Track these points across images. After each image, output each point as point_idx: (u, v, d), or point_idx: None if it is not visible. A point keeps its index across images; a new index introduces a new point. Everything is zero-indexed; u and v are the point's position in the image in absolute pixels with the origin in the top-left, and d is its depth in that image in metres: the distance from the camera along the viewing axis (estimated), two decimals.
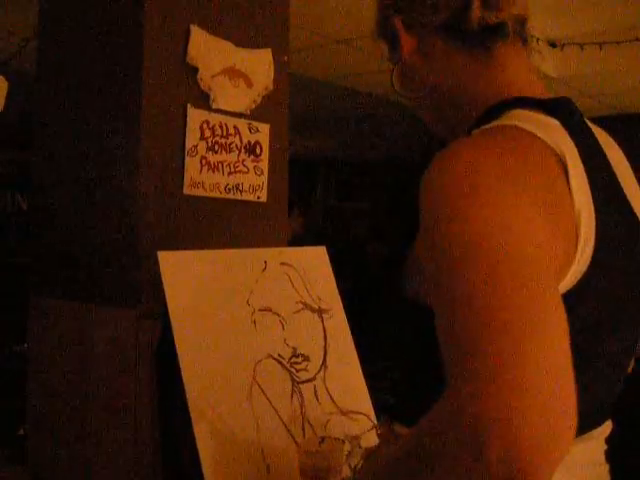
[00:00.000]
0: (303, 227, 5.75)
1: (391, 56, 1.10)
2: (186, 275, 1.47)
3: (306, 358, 1.58)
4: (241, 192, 1.76)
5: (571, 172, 0.84)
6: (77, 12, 1.76)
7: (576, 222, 0.83)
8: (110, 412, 1.57)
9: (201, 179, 1.67)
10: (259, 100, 1.79)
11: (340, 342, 1.66)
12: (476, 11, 0.98)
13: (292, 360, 1.55)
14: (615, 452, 1.00)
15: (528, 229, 0.75)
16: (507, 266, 0.70)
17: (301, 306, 1.62)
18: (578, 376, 0.67)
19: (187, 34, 1.65)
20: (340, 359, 1.64)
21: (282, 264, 1.63)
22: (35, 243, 1.87)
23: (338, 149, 8.68)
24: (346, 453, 1.34)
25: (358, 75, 4.93)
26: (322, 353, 1.62)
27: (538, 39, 3.86)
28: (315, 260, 1.71)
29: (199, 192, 1.67)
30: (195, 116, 1.65)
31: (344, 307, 1.71)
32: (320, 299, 1.66)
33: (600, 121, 1.05)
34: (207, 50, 1.67)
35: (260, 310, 1.54)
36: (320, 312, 1.65)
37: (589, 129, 0.96)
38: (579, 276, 0.83)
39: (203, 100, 1.68)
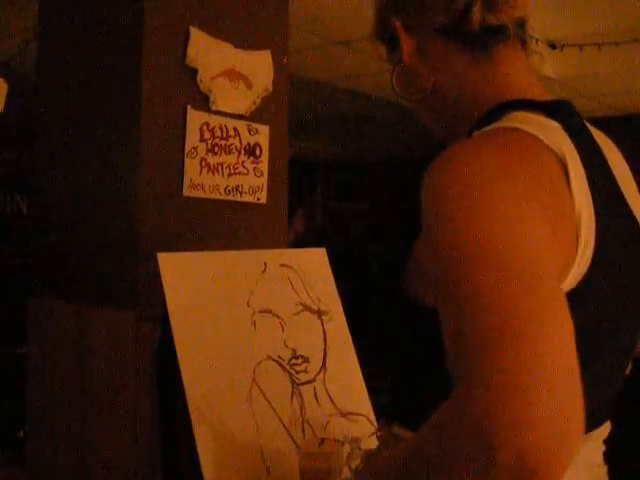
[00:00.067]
0: (305, 228, 5.76)
1: (390, 57, 1.10)
2: (186, 277, 1.47)
3: (306, 360, 1.58)
4: (241, 194, 1.76)
5: (572, 174, 0.84)
6: (77, 13, 1.77)
7: (577, 224, 0.83)
8: (110, 413, 1.57)
9: (201, 181, 1.67)
10: (259, 102, 1.79)
11: (340, 344, 1.66)
12: (477, 13, 0.98)
13: (292, 362, 1.55)
14: (613, 453, 1.00)
15: (531, 230, 0.75)
16: (511, 268, 0.70)
17: (301, 308, 1.62)
18: None
19: (187, 36, 1.65)
20: (340, 361, 1.64)
21: (282, 266, 1.63)
22: (35, 244, 1.87)
23: (338, 150, 8.68)
24: (346, 455, 1.34)
25: (357, 76, 4.93)
26: (322, 355, 1.62)
27: (537, 40, 3.87)
28: (315, 262, 1.71)
29: (199, 194, 1.67)
30: (195, 118, 1.66)
31: (344, 308, 1.71)
32: (320, 300, 1.66)
33: (599, 122, 1.05)
34: (207, 52, 1.67)
35: (260, 312, 1.54)
36: (320, 314, 1.65)
37: (589, 131, 0.96)
38: (579, 278, 0.83)
39: (203, 102, 1.68)
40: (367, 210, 9.44)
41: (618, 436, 1.02)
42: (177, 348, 1.39)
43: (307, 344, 1.60)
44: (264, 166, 1.81)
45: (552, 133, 0.87)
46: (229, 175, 1.73)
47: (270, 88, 1.82)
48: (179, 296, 1.43)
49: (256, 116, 1.80)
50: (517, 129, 0.86)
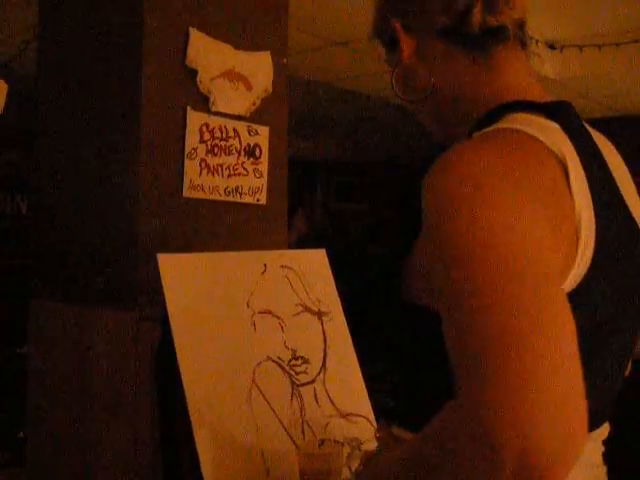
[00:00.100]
0: (308, 228, 5.77)
1: (389, 58, 1.10)
2: (186, 278, 1.47)
3: (306, 361, 1.58)
4: (240, 195, 1.76)
5: (572, 175, 0.84)
6: (77, 13, 1.77)
7: (577, 225, 0.83)
8: (109, 414, 1.57)
9: (200, 182, 1.67)
10: (258, 103, 1.79)
11: (340, 344, 1.66)
12: (477, 15, 0.98)
13: (292, 363, 1.55)
14: (612, 454, 1.00)
15: (532, 230, 0.75)
16: (512, 268, 0.71)
17: (301, 309, 1.62)
18: None
19: (186, 37, 1.65)
20: (340, 361, 1.64)
21: (282, 267, 1.63)
22: (35, 245, 1.87)
23: (337, 151, 8.68)
24: (346, 456, 1.34)
25: (357, 77, 4.94)
26: (322, 355, 1.62)
27: (537, 41, 3.87)
28: (315, 262, 1.71)
29: (199, 195, 1.67)
30: (195, 119, 1.66)
31: (344, 309, 1.71)
32: (320, 301, 1.66)
33: (599, 123, 1.05)
34: (206, 53, 1.67)
35: (260, 312, 1.54)
36: (320, 314, 1.65)
37: (588, 133, 0.96)
38: (579, 279, 0.83)
39: (202, 103, 1.68)
40: (367, 211, 9.43)
41: (617, 437, 1.02)
42: (177, 349, 1.39)
43: (307, 345, 1.60)
44: (264, 167, 1.81)
45: (552, 134, 0.87)
46: (229, 176, 1.73)
47: (270, 89, 1.82)
48: (179, 297, 1.43)
49: (256, 117, 1.80)
50: (517, 130, 0.86)
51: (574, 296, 0.82)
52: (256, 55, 1.79)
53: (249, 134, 1.78)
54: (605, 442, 0.99)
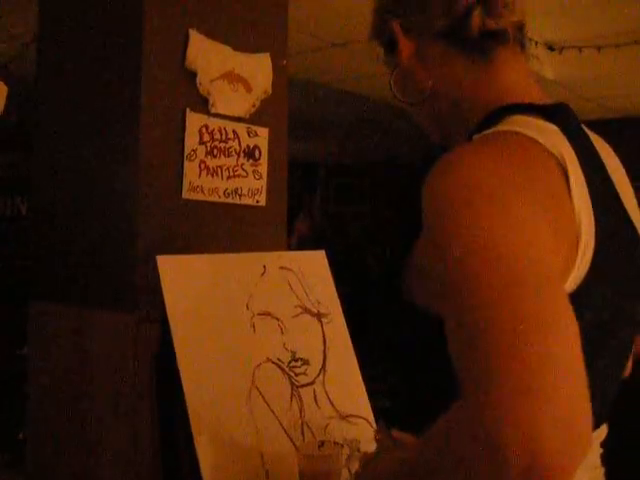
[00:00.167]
0: (310, 229, 5.77)
1: (387, 60, 1.10)
2: (185, 279, 1.47)
3: (305, 362, 1.58)
4: (240, 196, 1.76)
5: (571, 178, 0.84)
6: (77, 14, 1.77)
7: (576, 226, 0.83)
8: (109, 416, 1.57)
9: (200, 183, 1.67)
10: (258, 104, 1.79)
11: (339, 346, 1.66)
12: (477, 18, 0.98)
13: (291, 364, 1.55)
14: (610, 456, 1.00)
15: (533, 232, 0.75)
16: (514, 269, 0.70)
17: (300, 310, 1.62)
18: None
19: (186, 38, 1.65)
20: (339, 363, 1.64)
21: (281, 268, 1.63)
22: (34, 246, 1.87)
23: (337, 152, 8.68)
24: (345, 457, 1.34)
25: (356, 78, 4.94)
26: (321, 357, 1.62)
27: (537, 42, 3.87)
28: (314, 264, 1.71)
29: (198, 196, 1.67)
30: (194, 120, 1.66)
31: (343, 311, 1.71)
32: (319, 303, 1.66)
33: (598, 124, 1.05)
34: (206, 54, 1.67)
35: (259, 314, 1.55)
36: (319, 316, 1.65)
37: (586, 135, 0.96)
38: (579, 281, 0.83)
39: (202, 104, 1.68)
40: (367, 212, 9.43)
41: (615, 438, 1.02)
42: (176, 351, 1.39)
43: (306, 346, 1.60)
44: (263, 169, 1.81)
45: (551, 136, 0.87)
46: (228, 178, 1.73)
47: (269, 90, 1.82)
48: (178, 299, 1.43)
49: (255, 119, 1.80)
50: (517, 132, 0.86)
51: (574, 298, 0.82)
52: (256, 57, 1.79)
53: (249, 136, 1.78)
54: (603, 444, 0.99)
